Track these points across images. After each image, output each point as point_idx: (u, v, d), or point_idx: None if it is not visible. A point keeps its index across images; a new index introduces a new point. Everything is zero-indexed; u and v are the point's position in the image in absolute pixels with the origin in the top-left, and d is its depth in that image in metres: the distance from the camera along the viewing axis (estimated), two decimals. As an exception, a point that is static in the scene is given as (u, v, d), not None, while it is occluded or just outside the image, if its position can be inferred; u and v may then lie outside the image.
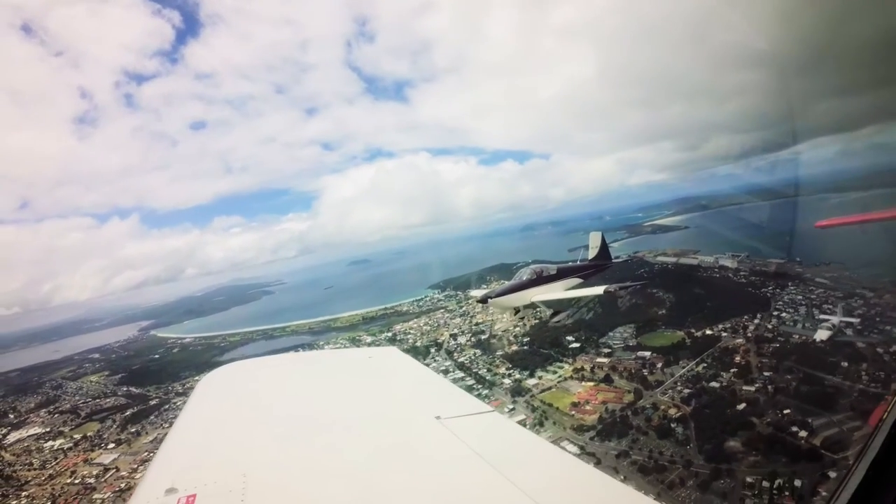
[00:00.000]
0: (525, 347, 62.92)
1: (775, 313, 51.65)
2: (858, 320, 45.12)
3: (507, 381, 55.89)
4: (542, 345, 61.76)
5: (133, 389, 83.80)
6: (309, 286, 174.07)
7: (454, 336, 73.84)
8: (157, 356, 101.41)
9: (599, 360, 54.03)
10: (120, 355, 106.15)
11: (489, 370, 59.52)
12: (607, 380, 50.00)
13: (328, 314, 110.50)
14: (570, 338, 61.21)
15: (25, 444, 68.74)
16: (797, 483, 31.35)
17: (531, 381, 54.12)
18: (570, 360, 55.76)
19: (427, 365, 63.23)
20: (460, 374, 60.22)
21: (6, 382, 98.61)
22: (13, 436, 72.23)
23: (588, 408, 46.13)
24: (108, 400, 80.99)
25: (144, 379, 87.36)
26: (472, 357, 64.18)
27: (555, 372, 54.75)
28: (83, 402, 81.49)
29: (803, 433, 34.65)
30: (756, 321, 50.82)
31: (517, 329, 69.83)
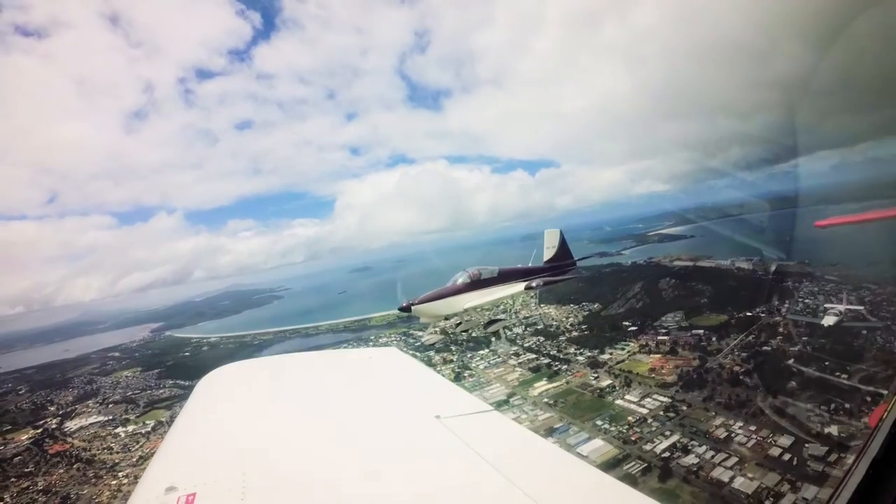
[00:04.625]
0: (586, 333, 76.51)
1: (800, 300, 67.69)
2: (863, 307, 60.65)
3: (580, 357, 68.97)
4: (603, 329, 75.75)
5: (181, 381, 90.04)
6: (317, 291, 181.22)
7: (508, 328, 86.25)
8: (187, 353, 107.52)
9: (660, 337, 68.22)
10: (144, 353, 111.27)
11: (559, 351, 72.47)
12: (672, 351, 64.07)
13: (353, 315, 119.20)
14: (626, 322, 75.61)
15: (92, 432, 74.43)
16: (847, 405, 45.97)
17: (603, 357, 67.50)
18: (634, 340, 69.69)
19: (493, 351, 75.75)
20: (532, 356, 73.02)
21: (26, 378, 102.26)
22: (71, 424, 77.75)
23: (664, 371, 59.82)
24: (160, 391, 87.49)
25: (188, 373, 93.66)
26: (538, 342, 76.93)
27: (622, 349, 68.44)
28: (133, 394, 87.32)
29: (844, 375, 49.61)
30: (786, 305, 66.57)
31: (570, 319, 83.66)
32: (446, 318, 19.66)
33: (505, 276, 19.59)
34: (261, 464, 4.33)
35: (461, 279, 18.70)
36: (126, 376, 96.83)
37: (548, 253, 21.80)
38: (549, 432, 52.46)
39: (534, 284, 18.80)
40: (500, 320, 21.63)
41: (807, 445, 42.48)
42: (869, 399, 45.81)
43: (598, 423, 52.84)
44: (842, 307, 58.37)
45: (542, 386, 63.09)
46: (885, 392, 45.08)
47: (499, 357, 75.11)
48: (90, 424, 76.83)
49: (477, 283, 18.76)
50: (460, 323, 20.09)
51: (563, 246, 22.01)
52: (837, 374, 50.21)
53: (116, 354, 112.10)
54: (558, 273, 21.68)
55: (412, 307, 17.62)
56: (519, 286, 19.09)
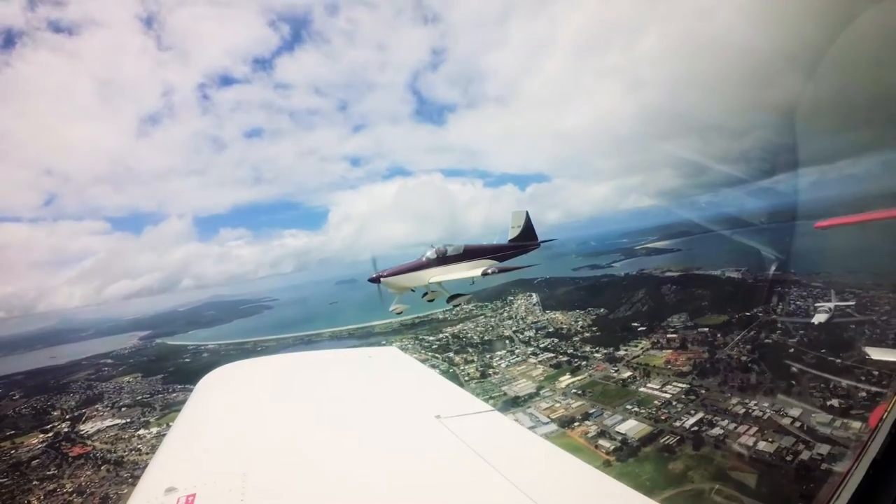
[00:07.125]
0: (598, 333, 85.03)
1: (791, 302, 78.33)
2: (853, 303, 69.68)
3: (597, 354, 77.15)
4: (614, 330, 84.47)
5: (189, 385, 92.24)
6: (305, 302, 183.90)
7: (519, 332, 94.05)
8: (187, 359, 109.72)
9: (669, 335, 77.21)
10: (139, 360, 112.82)
11: (575, 349, 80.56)
12: (683, 346, 72.91)
13: (352, 324, 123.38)
14: (635, 323, 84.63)
15: (112, 434, 76.80)
16: (843, 384, 55.53)
17: (619, 353, 75.85)
18: (646, 338, 78.52)
19: (511, 352, 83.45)
20: (551, 354, 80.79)
21: (17, 384, 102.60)
22: (85, 427, 79.84)
23: (678, 363, 68.54)
24: (172, 395, 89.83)
25: (195, 377, 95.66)
26: (553, 343, 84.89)
27: (635, 346, 76.95)
28: (143, 398, 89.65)
29: (838, 360, 59.40)
30: (780, 306, 77.00)
31: (579, 322, 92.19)
32: (413, 291, 20.90)
33: (470, 254, 21.33)
34: (261, 464, 4.50)
35: (428, 254, 20.47)
36: (128, 381, 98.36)
37: (512, 232, 23.46)
38: (585, 416, 60.11)
39: (489, 271, 20.08)
40: (462, 295, 22.64)
41: (814, 415, 51.63)
42: (863, 378, 55.52)
43: (628, 407, 60.62)
44: (831, 304, 66.79)
45: (567, 379, 70.63)
46: (878, 389, 53.17)
47: (517, 357, 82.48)
48: (107, 427, 78.73)
49: (443, 259, 20.51)
50: (426, 294, 21.38)
51: (528, 226, 23.54)
52: (832, 358, 60.05)
53: (110, 361, 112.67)
54: (521, 251, 23.36)
55: (381, 279, 19.55)
56: (478, 270, 20.52)
